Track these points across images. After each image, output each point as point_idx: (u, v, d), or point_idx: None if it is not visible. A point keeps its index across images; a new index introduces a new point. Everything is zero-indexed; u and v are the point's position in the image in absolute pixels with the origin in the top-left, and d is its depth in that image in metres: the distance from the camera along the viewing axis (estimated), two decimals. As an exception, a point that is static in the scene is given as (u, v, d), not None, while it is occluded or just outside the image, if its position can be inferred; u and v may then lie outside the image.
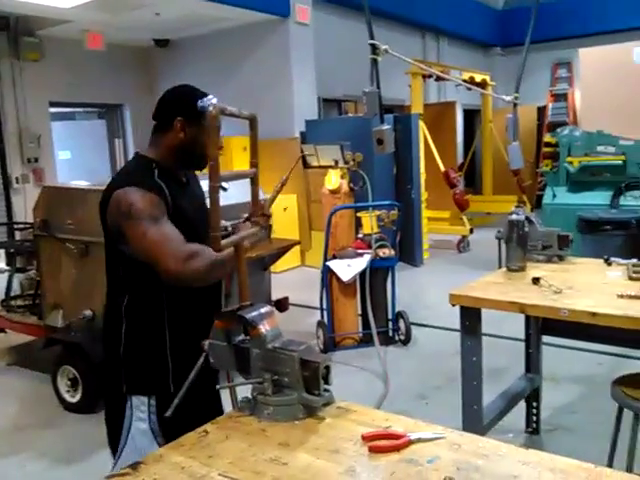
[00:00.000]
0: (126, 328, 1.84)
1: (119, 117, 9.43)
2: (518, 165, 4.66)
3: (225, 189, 3.60)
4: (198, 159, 1.89)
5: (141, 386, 1.86)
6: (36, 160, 7.51)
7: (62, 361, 3.89)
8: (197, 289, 1.80)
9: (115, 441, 1.90)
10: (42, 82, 7.54)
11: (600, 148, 6.35)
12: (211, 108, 1.69)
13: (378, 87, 3.69)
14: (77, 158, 9.09)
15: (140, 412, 1.84)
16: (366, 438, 1.30)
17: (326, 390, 1.43)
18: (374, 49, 3.62)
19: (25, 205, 6.87)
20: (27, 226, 4.91)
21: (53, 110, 8.25)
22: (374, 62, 3.64)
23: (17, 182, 7.28)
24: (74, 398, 3.82)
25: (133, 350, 1.85)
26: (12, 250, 4.73)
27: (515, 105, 4.53)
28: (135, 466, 1.27)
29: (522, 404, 3.20)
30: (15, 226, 6.16)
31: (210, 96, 1.87)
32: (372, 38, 3.65)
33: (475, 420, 2.52)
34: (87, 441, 3.42)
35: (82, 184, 4.32)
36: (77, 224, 3.88)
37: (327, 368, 1.41)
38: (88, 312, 3.86)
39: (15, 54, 7.36)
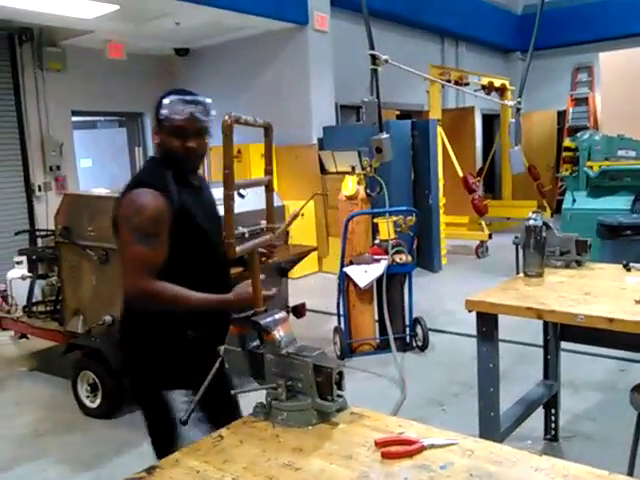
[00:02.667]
0: (149, 328, 1.91)
1: (139, 125, 9.55)
2: (519, 170, 4.65)
3: (242, 196, 3.66)
4: (177, 160, 1.92)
5: (175, 381, 1.90)
6: (58, 168, 7.63)
7: (82, 366, 3.94)
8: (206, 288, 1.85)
9: (160, 436, 1.94)
10: (64, 91, 7.67)
11: (621, 152, 6.28)
12: (177, 116, 1.84)
13: (378, 97, 3.72)
14: (98, 166, 9.23)
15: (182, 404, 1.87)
16: (379, 444, 1.31)
17: (339, 396, 1.44)
18: (374, 59, 3.64)
19: (47, 212, 6.97)
20: (49, 233, 4.99)
21: (75, 119, 8.38)
22: (374, 72, 3.67)
23: (39, 190, 7.40)
24: (94, 403, 3.87)
25: (158, 347, 1.91)
26: (34, 257, 4.82)
27: (518, 110, 4.55)
28: (151, 470, 1.29)
29: (540, 411, 3.17)
30: (37, 233, 6.26)
31: (172, 96, 1.89)
32: (372, 48, 3.68)
33: (492, 427, 2.50)
34: (107, 446, 3.46)
35: (103, 191, 4.37)
36: (98, 231, 3.93)
37: (340, 374, 1.42)
38: (108, 318, 3.91)
39: (39, 64, 7.49)
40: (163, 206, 1.80)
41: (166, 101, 1.89)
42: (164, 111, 1.88)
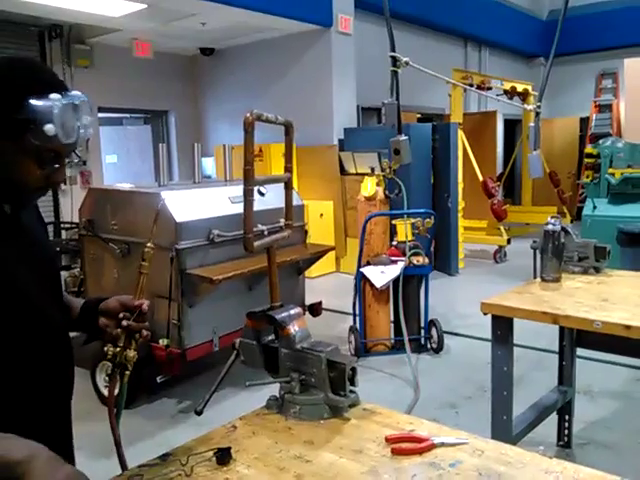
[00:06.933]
0: None
1: (164, 123, 9.68)
2: (537, 174, 4.61)
3: (262, 194, 3.70)
4: (17, 193, 1.18)
5: None
6: (84, 163, 7.76)
7: (101, 357, 3.99)
8: None
9: None
10: (92, 88, 7.77)
11: (644, 160, 6.20)
12: (67, 138, 1.14)
13: (397, 99, 3.73)
14: (123, 162, 9.37)
15: None
16: (390, 440, 1.32)
17: (352, 391, 1.45)
18: (395, 61, 3.65)
19: (72, 206, 7.11)
20: (73, 226, 5.10)
21: (102, 115, 8.51)
22: (394, 74, 3.68)
23: (65, 184, 7.54)
24: (112, 393, 3.93)
25: None
26: (58, 248, 4.92)
27: (537, 114, 4.52)
28: (164, 457, 1.32)
29: (554, 417, 3.16)
30: (62, 225, 6.39)
31: (52, 89, 1.10)
32: (393, 50, 3.68)
33: (504, 430, 2.50)
34: (123, 435, 3.51)
35: (127, 187, 4.45)
36: (120, 225, 4.00)
37: (353, 370, 1.43)
38: (128, 310, 3.97)
39: (67, 60, 7.66)
40: None
41: (49, 102, 1.08)
42: (47, 122, 1.07)
